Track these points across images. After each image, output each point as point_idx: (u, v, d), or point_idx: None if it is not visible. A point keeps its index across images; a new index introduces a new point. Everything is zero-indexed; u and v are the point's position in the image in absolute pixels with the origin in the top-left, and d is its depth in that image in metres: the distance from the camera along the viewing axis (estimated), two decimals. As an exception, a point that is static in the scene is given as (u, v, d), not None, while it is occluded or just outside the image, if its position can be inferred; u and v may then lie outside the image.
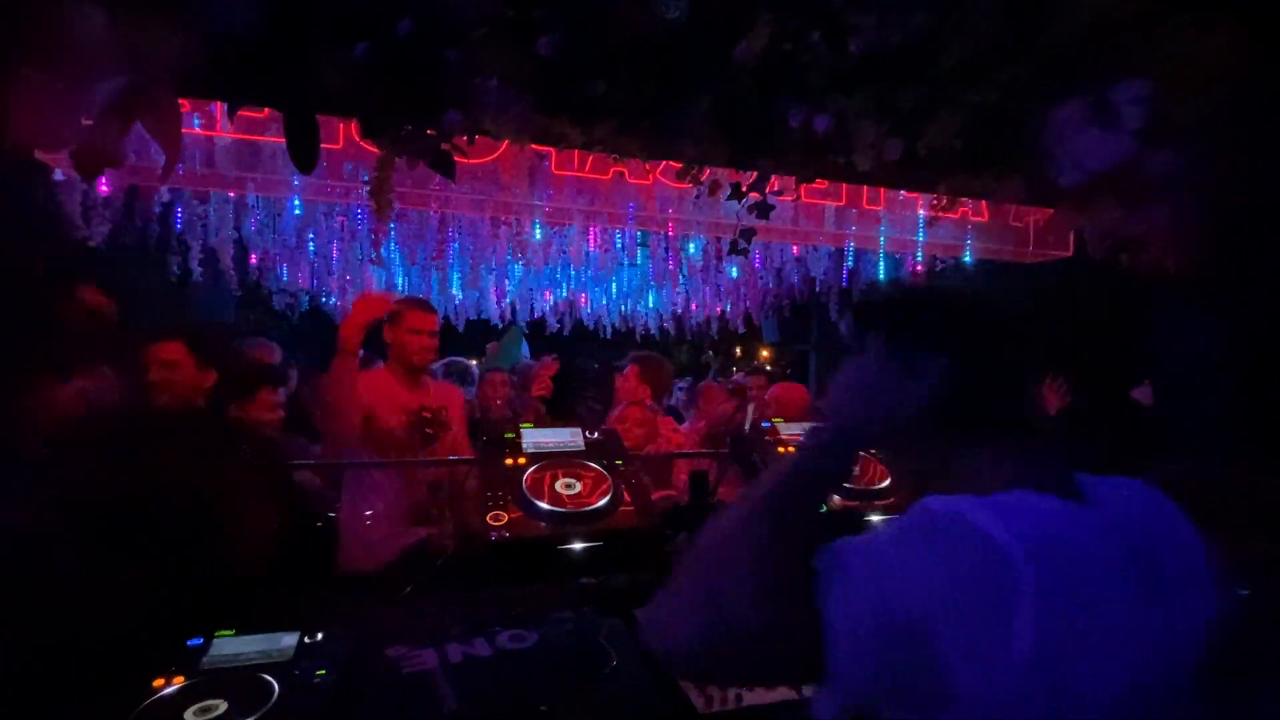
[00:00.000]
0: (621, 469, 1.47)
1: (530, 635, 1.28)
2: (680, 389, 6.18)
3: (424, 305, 2.23)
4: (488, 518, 1.25)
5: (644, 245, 4.77)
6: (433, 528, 1.64)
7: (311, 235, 4.32)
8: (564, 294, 6.84)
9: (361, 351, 2.03)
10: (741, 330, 7.48)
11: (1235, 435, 2.10)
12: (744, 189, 1.69)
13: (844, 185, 2.43)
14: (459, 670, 1.15)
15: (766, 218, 1.66)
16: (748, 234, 1.71)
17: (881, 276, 4.43)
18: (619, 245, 4.26)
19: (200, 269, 4.51)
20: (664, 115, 1.46)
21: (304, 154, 1.27)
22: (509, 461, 1.43)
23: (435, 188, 2.38)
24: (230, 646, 1.20)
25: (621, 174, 2.06)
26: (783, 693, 1.05)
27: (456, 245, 4.59)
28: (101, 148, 1.16)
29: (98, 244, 3.39)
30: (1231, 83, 1.66)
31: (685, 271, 5.38)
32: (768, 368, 6.97)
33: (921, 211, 2.57)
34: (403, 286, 6.11)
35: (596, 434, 1.58)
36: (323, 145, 1.35)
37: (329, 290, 6.13)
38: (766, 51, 1.49)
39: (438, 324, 2.22)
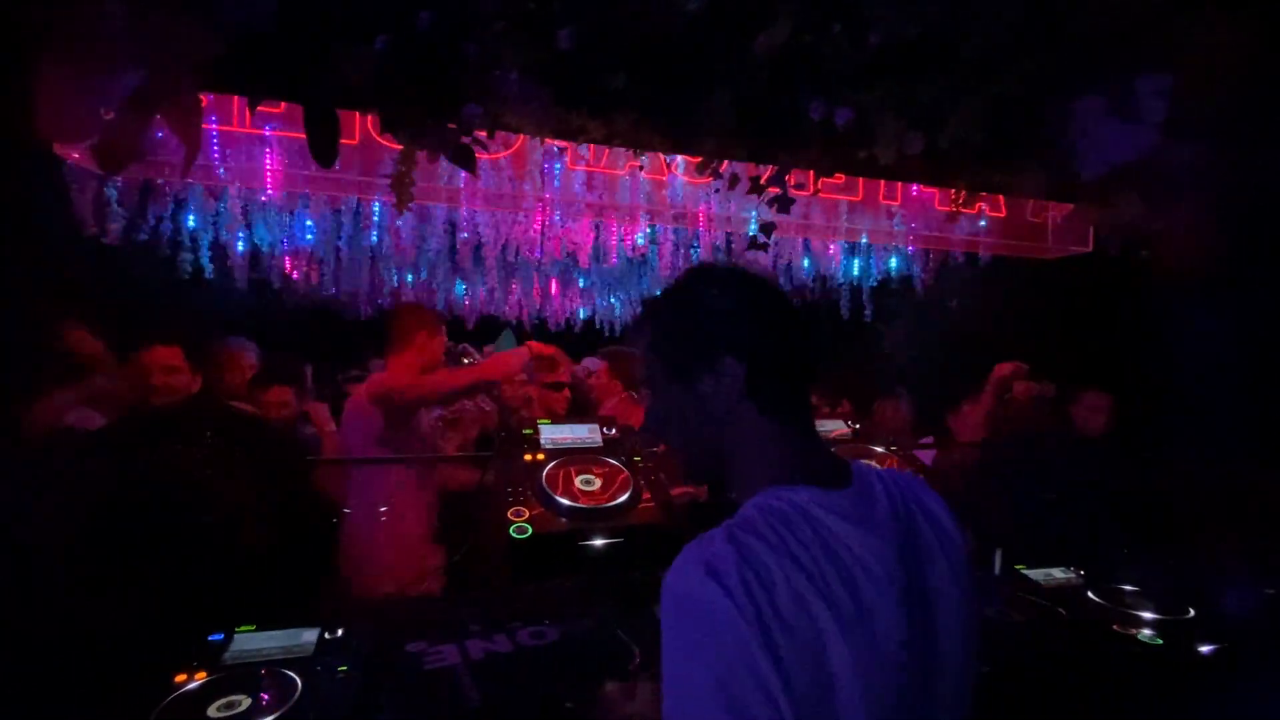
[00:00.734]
0: (640, 465, 1.46)
1: (551, 631, 1.28)
2: None
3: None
4: (508, 514, 1.24)
5: (654, 242, 4.74)
6: None
7: (313, 225, 4.31)
8: (569, 292, 6.84)
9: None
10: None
11: (1255, 434, 2.07)
12: (763, 182, 1.67)
13: (860, 180, 2.41)
14: (481, 666, 1.14)
15: (787, 211, 1.64)
16: (767, 229, 1.70)
17: (893, 272, 4.41)
18: (638, 242, 4.23)
19: (210, 265, 4.53)
20: (683, 109, 1.45)
21: (323, 148, 1.26)
22: (527, 458, 1.42)
23: (444, 182, 2.38)
24: (251, 642, 1.20)
25: (637, 168, 2.05)
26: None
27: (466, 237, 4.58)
28: (122, 141, 1.16)
29: (110, 241, 3.40)
30: (1254, 75, 1.63)
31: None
32: None
33: (939, 207, 2.54)
34: (411, 284, 6.13)
35: (614, 430, 1.57)
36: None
37: (338, 288, 6.14)
38: (787, 44, 1.47)
39: None
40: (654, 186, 2.38)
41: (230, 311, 5.26)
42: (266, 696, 1.02)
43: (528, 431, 1.50)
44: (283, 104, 1.46)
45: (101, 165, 1.13)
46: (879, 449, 1.81)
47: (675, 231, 4.13)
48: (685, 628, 0.59)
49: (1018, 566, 1.64)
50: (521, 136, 1.70)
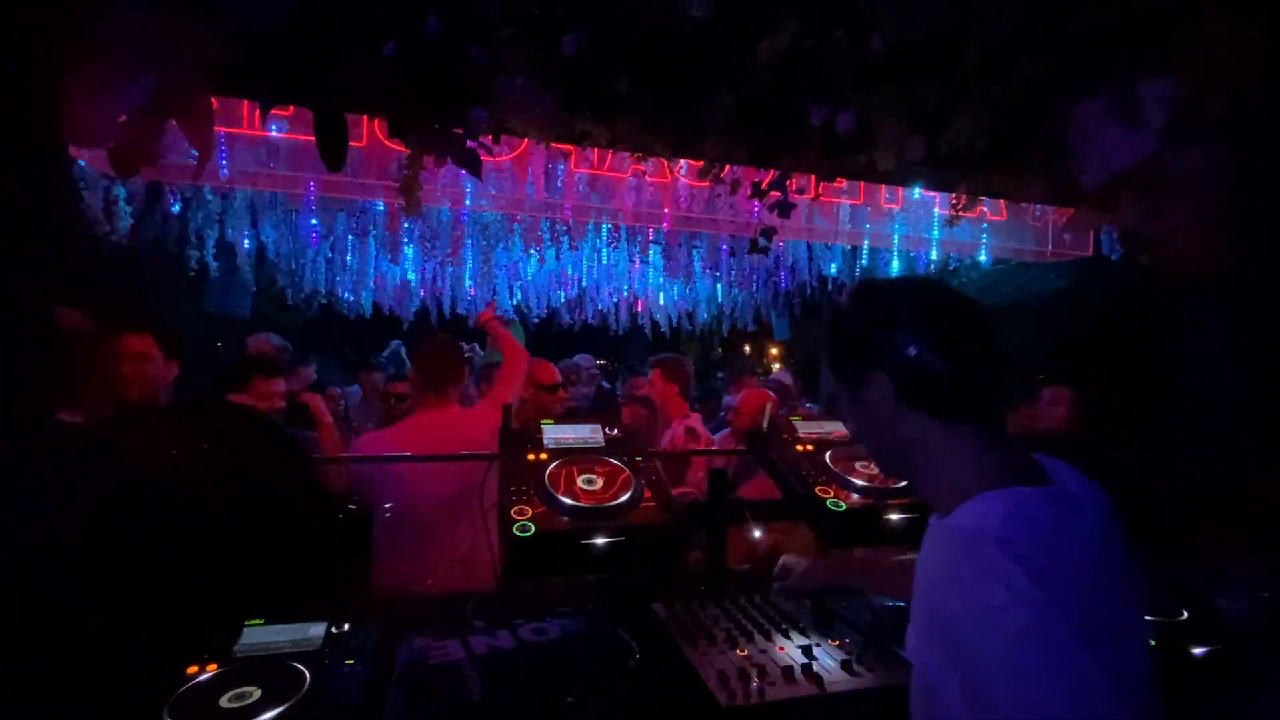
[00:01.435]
0: (641, 465, 1.48)
1: (553, 628, 1.30)
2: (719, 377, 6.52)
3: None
4: (511, 512, 1.26)
5: (656, 242, 4.76)
6: None
7: (318, 225, 4.34)
8: (575, 290, 6.86)
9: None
10: (752, 328, 7.48)
11: (1253, 435, 2.08)
12: (764, 186, 1.69)
13: (861, 184, 2.42)
14: (484, 662, 1.16)
15: (788, 216, 1.66)
16: (768, 232, 1.71)
17: (895, 275, 4.42)
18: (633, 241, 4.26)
19: (217, 263, 4.57)
20: (687, 113, 1.47)
21: (333, 152, 1.28)
22: (530, 457, 1.44)
23: (448, 184, 2.40)
24: (260, 636, 1.22)
25: (641, 172, 2.07)
26: (805, 687, 1.05)
27: (470, 240, 4.62)
28: (137, 146, 1.18)
29: (118, 239, 3.44)
30: (1257, 78, 1.64)
31: (698, 269, 5.38)
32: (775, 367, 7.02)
33: (939, 210, 2.56)
34: (416, 283, 6.16)
35: (616, 430, 1.59)
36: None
37: (344, 285, 6.17)
38: (790, 49, 1.49)
39: None
40: (657, 189, 2.41)
41: (234, 305, 5.30)
42: (276, 688, 1.04)
43: (531, 431, 1.52)
44: (291, 108, 1.48)
45: (117, 169, 1.16)
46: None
47: (676, 233, 4.15)
48: (1009, 645, 0.60)
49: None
50: (526, 140, 1.72)
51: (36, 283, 1.18)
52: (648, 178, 2.17)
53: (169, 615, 1.26)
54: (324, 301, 6.63)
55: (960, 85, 1.66)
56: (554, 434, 1.52)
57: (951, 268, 3.87)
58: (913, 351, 0.75)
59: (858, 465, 1.50)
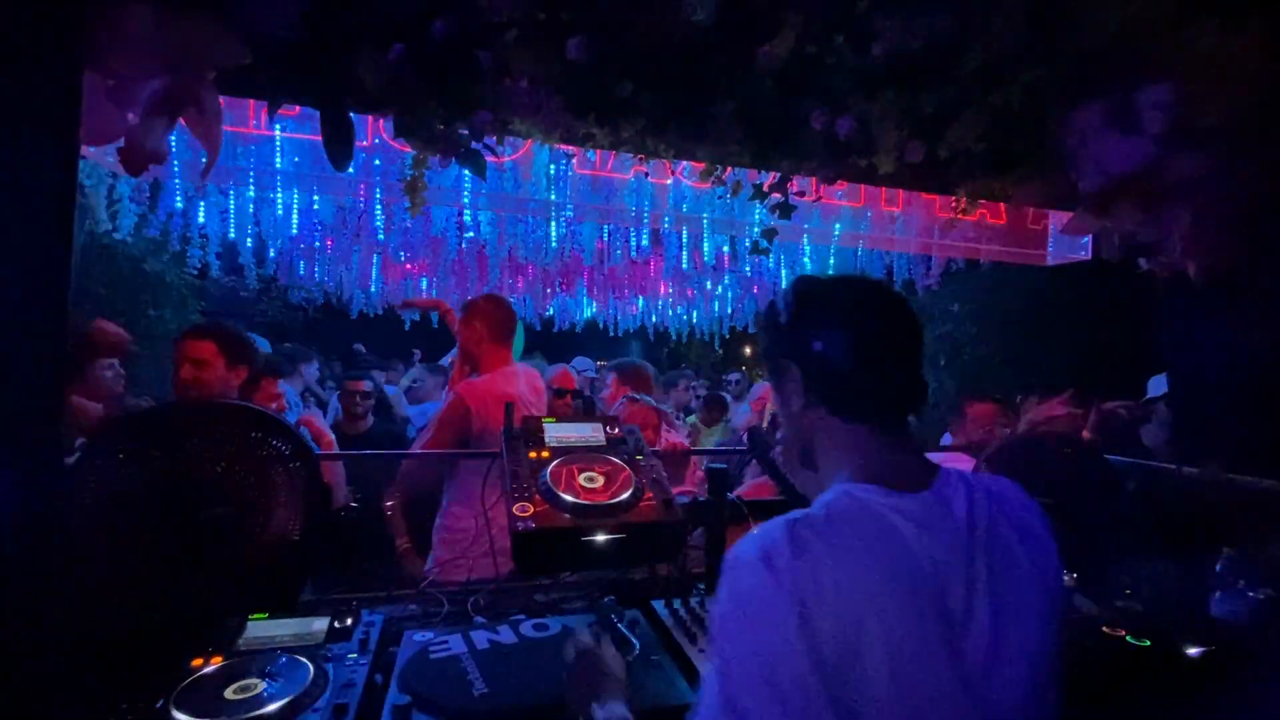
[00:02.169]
0: (642, 464, 1.49)
1: (554, 624, 1.31)
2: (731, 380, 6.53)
3: None
4: (514, 509, 1.27)
5: (658, 244, 4.78)
6: None
7: (319, 226, 4.36)
8: (576, 294, 6.88)
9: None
10: (753, 330, 7.49)
11: (1253, 440, 2.09)
12: (765, 189, 1.71)
13: (861, 186, 2.44)
14: (486, 656, 1.18)
15: (789, 218, 1.67)
16: (769, 234, 1.73)
17: (895, 277, 4.44)
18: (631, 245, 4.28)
19: (219, 261, 4.58)
20: (690, 116, 1.48)
21: (340, 152, 1.30)
22: (532, 455, 1.45)
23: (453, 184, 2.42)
24: (264, 629, 1.24)
25: (643, 174, 2.08)
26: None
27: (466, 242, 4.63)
28: (146, 144, 1.20)
29: (122, 236, 3.45)
30: (1257, 86, 1.66)
31: (697, 270, 5.40)
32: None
33: (938, 214, 2.57)
34: (426, 287, 6.18)
35: (617, 430, 1.60)
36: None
37: (346, 285, 6.19)
38: (791, 54, 1.50)
39: None
40: (658, 190, 2.42)
41: (235, 303, 5.32)
42: (280, 681, 1.06)
43: (532, 429, 1.53)
44: (296, 108, 1.50)
45: (126, 168, 1.17)
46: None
47: (679, 235, 4.16)
48: (735, 606, 0.64)
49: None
50: (528, 141, 1.74)
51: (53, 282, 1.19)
52: (649, 179, 2.19)
53: (175, 609, 1.27)
54: (321, 302, 6.64)
55: (960, 91, 1.67)
56: (555, 432, 1.53)
57: (951, 271, 3.89)
58: (817, 347, 0.78)
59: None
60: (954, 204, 2.01)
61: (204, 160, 1.29)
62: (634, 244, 4.23)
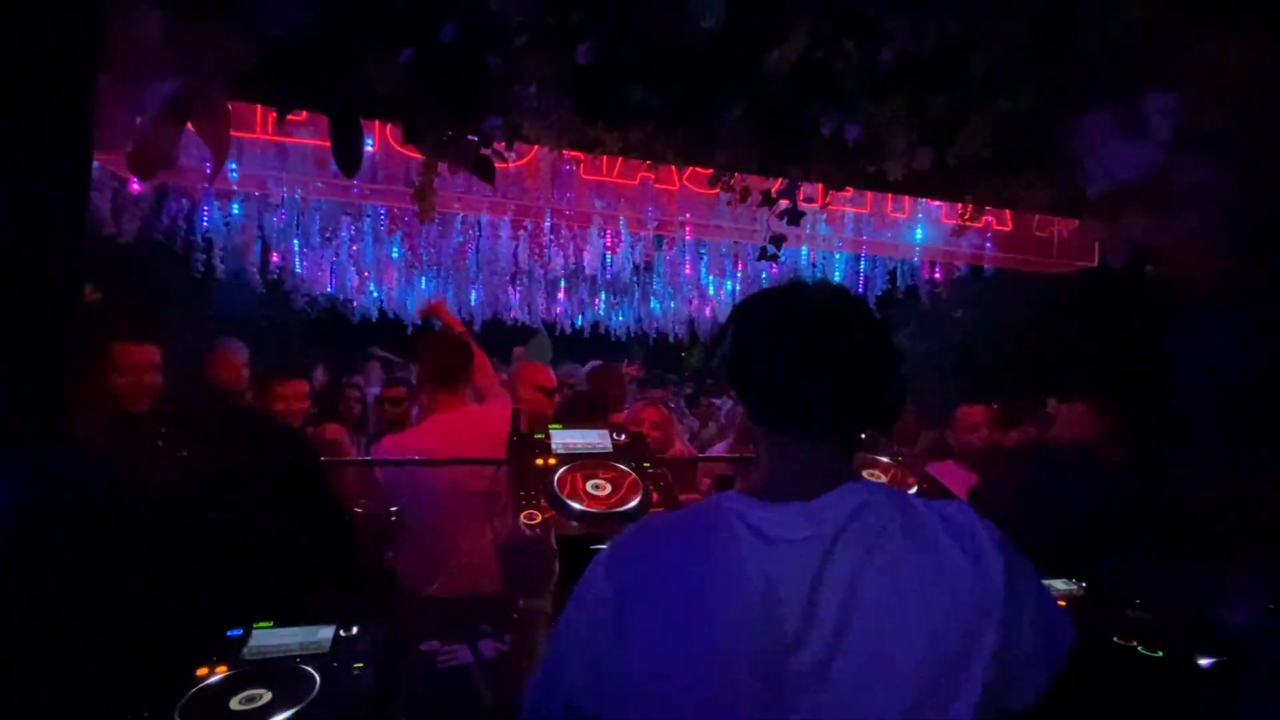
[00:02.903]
0: (649, 471, 1.48)
1: (561, 633, 1.30)
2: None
3: None
4: (522, 516, 1.26)
5: (660, 250, 4.78)
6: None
7: (320, 229, 4.37)
8: (578, 297, 6.88)
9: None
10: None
11: (1262, 446, 2.08)
12: (773, 194, 1.70)
13: (868, 192, 2.44)
14: (492, 666, 1.17)
15: (798, 224, 1.67)
16: (778, 240, 1.73)
17: (899, 283, 4.44)
18: (636, 250, 4.28)
19: (223, 265, 4.58)
20: (698, 122, 1.48)
21: (348, 157, 1.30)
22: (539, 462, 1.44)
23: (460, 190, 2.42)
24: (269, 638, 1.22)
25: (648, 179, 2.08)
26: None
27: (475, 248, 4.64)
28: (155, 149, 1.20)
29: (126, 241, 3.45)
30: (1262, 92, 1.65)
31: (702, 275, 5.40)
32: None
33: (945, 220, 2.57)
34: (428, 290, 6.19)
35: (624, 436, 1.59)
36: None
37: (349, 289, 6.20)
38: (800, 59, 1.50)
39: None
40: (665, 196, 2.42)
41: (239, 308, 5.32)
42: (286, 690, 1.04)
43: (539, 436, 1.52)
44: (304, 113, 1.50)
45: (135, 172, 1.17)
46: (884, 459, 1.83)
47: (684, 240, 4.16)
48: (576, 588, 0.73)
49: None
50: (535, 147, 1.74)
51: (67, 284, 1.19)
52: (656, 184, 2.19)
53: (179, 618, 1.26)
54: (326, 306, 6.64)
55: (968, 97, 1.67)
56: (562, 439, 1.52)
57: (956, 276, 3.89)
58: (738, 361, 0.77)
59: (863, 472, 1.50)
60: (960, 210, 2.01)
61: (208, 168, 1.28)
62: (639, 249, 4.23)
